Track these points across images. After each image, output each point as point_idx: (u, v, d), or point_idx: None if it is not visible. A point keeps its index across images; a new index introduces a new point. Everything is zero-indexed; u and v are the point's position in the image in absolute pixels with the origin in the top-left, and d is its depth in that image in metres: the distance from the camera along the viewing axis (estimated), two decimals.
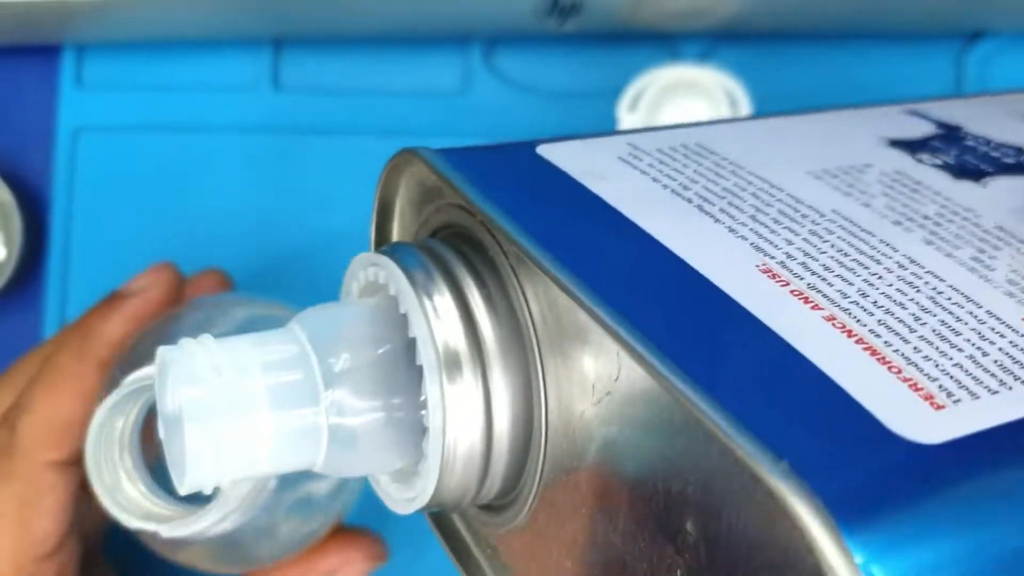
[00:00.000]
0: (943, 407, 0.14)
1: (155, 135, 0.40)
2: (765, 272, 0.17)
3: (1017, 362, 0.15)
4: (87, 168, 0.40)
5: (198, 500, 0.21)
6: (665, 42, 0.41)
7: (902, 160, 0.21)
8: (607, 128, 0.36)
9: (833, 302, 0.16)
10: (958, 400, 0.14)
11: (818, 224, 0.18)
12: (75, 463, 0.27)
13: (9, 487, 0.26)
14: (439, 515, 0.22)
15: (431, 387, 0.18)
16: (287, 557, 0.26)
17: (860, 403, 0.14)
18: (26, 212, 0.38)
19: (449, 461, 0.18)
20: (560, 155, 0.20)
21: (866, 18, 0.38)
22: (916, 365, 0.15)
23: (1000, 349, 0.15)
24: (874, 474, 0.13)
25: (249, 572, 0.27)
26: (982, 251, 0.18)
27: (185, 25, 0.38)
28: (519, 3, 0.35)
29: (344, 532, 0.29)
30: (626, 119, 0.36)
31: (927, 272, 0.17)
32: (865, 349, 0.15)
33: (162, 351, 0.18)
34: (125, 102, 0.40)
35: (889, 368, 0.15)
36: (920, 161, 0.21)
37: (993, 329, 0.16)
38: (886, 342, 0.15)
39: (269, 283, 0.37)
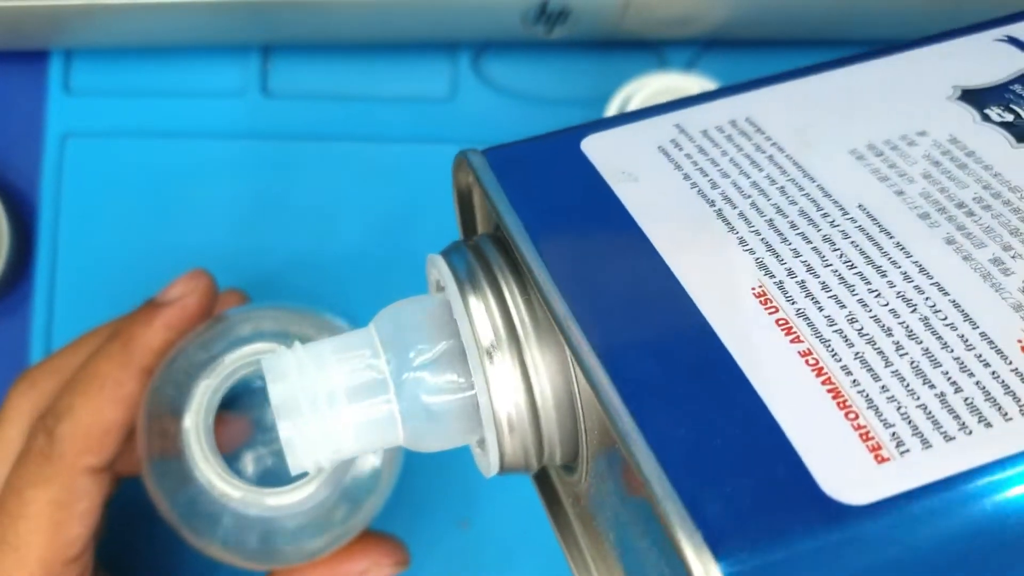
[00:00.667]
0: (887, 460, 0.15)
1: (143, 141, 0.40)
2: (758, 296, 0.17)
3: (990, 398, 0.15)
4: (75, 174, 0.39)
5: (262, 483, 0.24)
6: (653, 50, 0.40)
7: (964, 120, 0.20)
8: None
9: (816, 332, 0.17)
10: (906, 451, 0.15)
11: (836, 226, 0.19)
12: (109, 469, 0.27)
13: (46, 491, 0.26)
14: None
15: (476, 377, 0.20)
16: (317, 556, 0.27)
17: (800, 458, 0.15)
18: (13, 217, 0.38)
19: (503, 434, 0.21)
20: (600, 149, 0.21)
21: (850, 26, 0.36)
22: (876, 408, 0.16)
23: (977, 383, 0.16)
24: (788, 542, 0.14)
25: (271, 571, 0.28)
26: (1008, 248, 0.18)
27: (173, 31, 0.38)
28: (507, 10, 0.35)
29: (371, 536, 0.29)
30: None
31: (932, 284, 0.17)
32: (829, 391, 0.16)
33: (263, 357, 0.21)
34: (113, 108, 0.40)
35: (847, 414, 0.16)
36: (985, 119, 0.20)
37: (979, 356, 0.16)
38: (855, 381, 0.16)
39: (258, 289, 0.36)
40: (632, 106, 0.37)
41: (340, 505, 0.26)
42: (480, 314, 0.20)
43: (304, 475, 0.23)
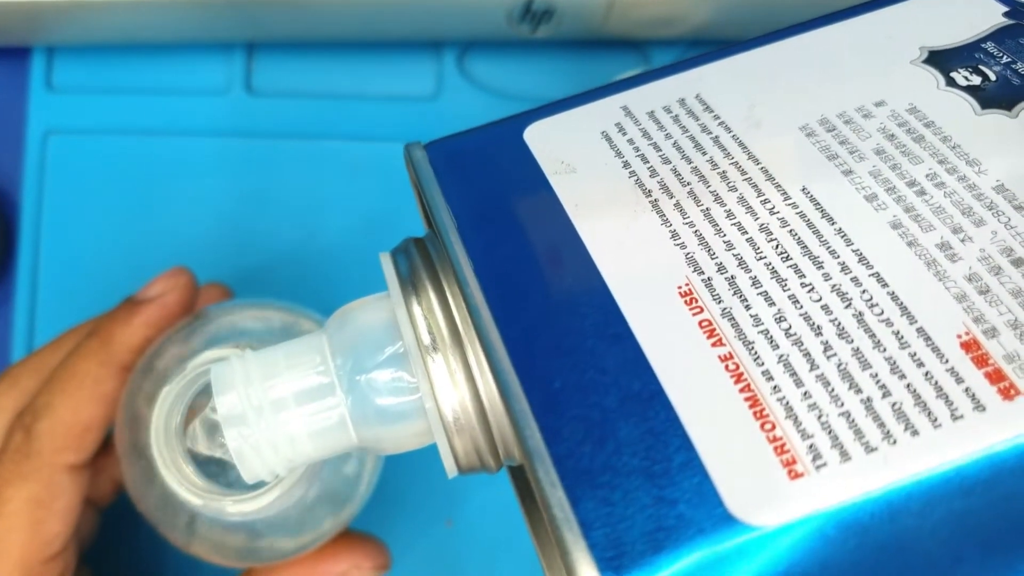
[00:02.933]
0: (801, 475, 0.14)
1: (126, 138, 0.39)
2: (684, 296, 0.16)
3: (920, 403, 0.14)
4: (57, 171, 0.39)
5: (236, 486, 0.24)
6: (637, 49, 0.39)
7: (927, 86, 0.19)
8: None
9: (740, 333, 0.16)
10: (823, 465, 0.14)
11: (775, 213, 0.17)
12: (88, 466, 0.27)
13: (24, 488, 0.26)
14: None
15: (420, 379, 0.20)
16: (296, 555, 0.27)
17: (709, 474, 0.14)
18: None
19: (452, 435, 0.20)
20: (542, 137, 0.20)
21: None
22: (796, 417, 0.15)
23: (908, 386, 0.15)
24: (686, 565, 0.13)
25: (248, 569, 0.27)
26: (958, 230, 0.16)
27: (157, 28, 0.37)
28: (492, 9, 0.34)
29: (352, 536, 0.28)
30: None
31: (871, 275, 0.16)
32: (747, 399, 0.15)
33: (212, 367, 0.21)
34: (95, 105, 0.39)
35: (763, 425, 0.15)
36: (951, 83, 0.19)
37: (914, 355, 0.15)
38: (775, 387, 0.15)
39: (241, 287, 0.35)
40: None
41: (318, 504, 0.25)
42: (420, 315, 0.20)
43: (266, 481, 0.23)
